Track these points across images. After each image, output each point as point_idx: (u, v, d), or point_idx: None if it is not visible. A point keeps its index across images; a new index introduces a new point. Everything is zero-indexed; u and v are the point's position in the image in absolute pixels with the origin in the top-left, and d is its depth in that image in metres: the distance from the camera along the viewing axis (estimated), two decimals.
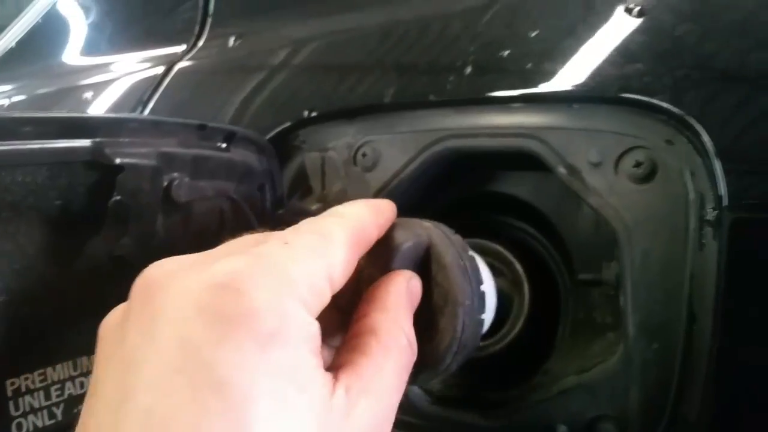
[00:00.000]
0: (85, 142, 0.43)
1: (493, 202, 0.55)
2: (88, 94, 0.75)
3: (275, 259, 0.28)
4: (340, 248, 0.31)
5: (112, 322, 0.30)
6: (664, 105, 0.39)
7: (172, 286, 0.28)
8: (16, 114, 0.40)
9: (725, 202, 0.37)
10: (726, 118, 0.37)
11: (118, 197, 0.43)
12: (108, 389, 0.27)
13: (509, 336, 0.51)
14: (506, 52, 0.46)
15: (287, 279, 0.27)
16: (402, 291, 0.33)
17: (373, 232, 0.34)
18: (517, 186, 0.52)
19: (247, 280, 0.26)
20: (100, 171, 0.43)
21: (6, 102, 0.95)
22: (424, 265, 0.36)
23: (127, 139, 0.44)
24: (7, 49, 0.96)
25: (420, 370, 0.34)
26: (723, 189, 0.37)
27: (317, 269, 0.29)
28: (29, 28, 0.93)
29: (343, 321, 0.33)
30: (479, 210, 0.56)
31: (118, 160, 0.43)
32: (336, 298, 0.30)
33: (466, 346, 0.36)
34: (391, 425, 0.30)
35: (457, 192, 0.55)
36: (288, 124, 0.54)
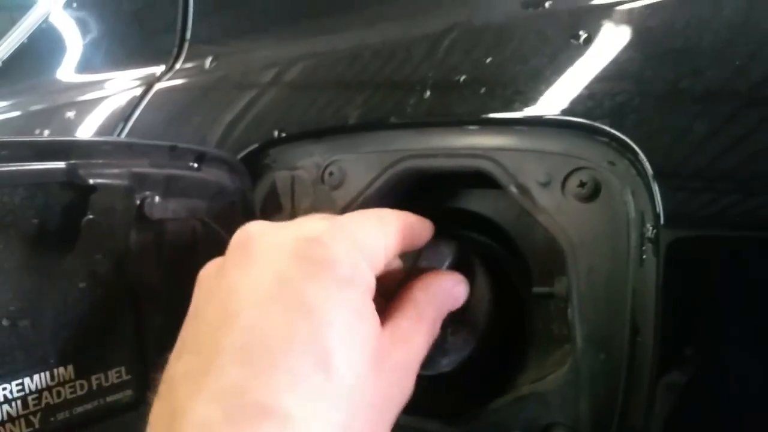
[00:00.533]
0: (60, 164, 0.45)
1: (457, 219, 0.57)
2: (71, 114, 0.77)
3: (349, 227, 0.36)
4: (394, 232, 0.39)
5: (210, 269, 0.38)
6: (607, 128, 0.41)
7: (268, 237, 0.35)
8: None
9: (662, 220, 0.39)
10: (662, 141, 0.40)
11: (91, 216, 0.45)
12: (210, 313, 0.34)
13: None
14: (462, 77, 0.48)
15: (358, 241, 0.35)
16: (445, 285, 0.42)
17: (419, 234, 0.43)
18: (479, 203, 0.55)
19: (329, 237, 0.34)
20: (74, 191, 0.45)
21: None
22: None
23: (100, 161, 0.46)
24: None
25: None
26: (660, 208, 0.39)
27: (378, 240, 0.37)
28: (15, 48, 0.95)
29: (384, 304, 0.40)
30: (445, 226, 0.58)
31: (91, 181, 0.45)
32: (383, 283, 0.38)
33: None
34: (414, 380, 0.37)
35: (423, 209, 0.57)
36: (259, 143, 0.57)
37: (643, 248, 0.40)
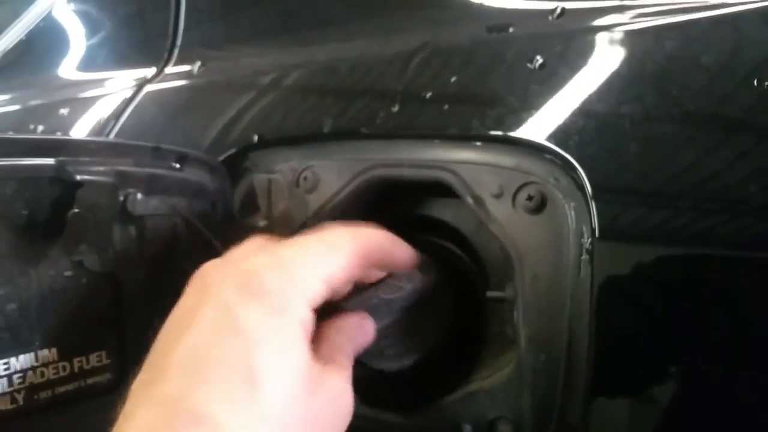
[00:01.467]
0: (50, 161, 0.48)
1: (424, 225, 0.60)
2: (65, 110, 0.81)
3: (288, 260, 0.39)
4: (343, 259, 0.41)
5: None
6: (553, 147, 0.45)
7: (218, 271, 0.40)
8: None
9: (597, 233, 0.43)
10: (600, 161, 0.44)
11: (77, 210, 0.48)
12: (167, 334, 0.38)
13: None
14: (429, 94, 0.52)
15: (294, 275, 0.38)
16: (351, 325, 0.44)
17: (390, 255, 0.45)
18: (443, 211, 0.58)
19: (267, 270, 0.38)
20: (62, 186, 0.49)
21: None
22: None
23: (87, 159, 0.50)
24: None
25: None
26: (596, 222, 0.43)
27: (316, 274, 0.39)
28: (13, 44, 0.99)
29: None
30: (413, 231, 0.62)
31: (78, 177, 0.48)
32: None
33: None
34: (351, 399, 0.40)
35: (392, 214, 0.61)
36: (239, 147, 0.60)
37: (581, 259, 0.44)
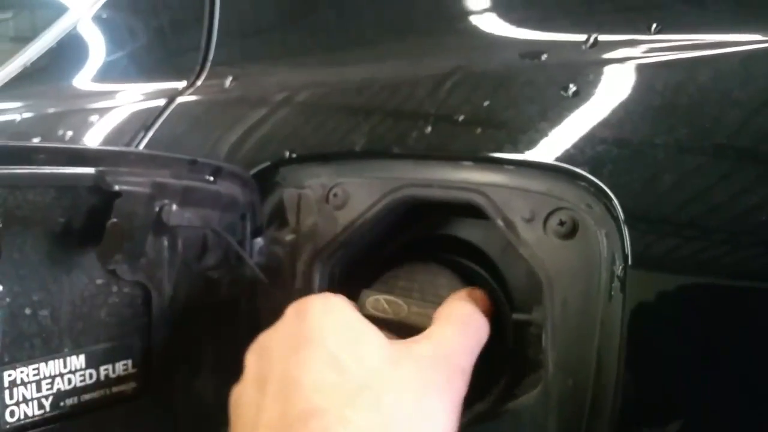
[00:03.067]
0: (89, 170, 0.49)
1: (450, 244, 0.61)
2: (95, 118, 0.82)
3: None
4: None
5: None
6: (586, 174, 0.46)
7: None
8: (32, 144, 0.47)
9: (630, 261, 0.43)
10: (634, 189, 0.44)
11: (115, 219, 0.49)
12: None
13: None
14: (461, 117, 0.53)
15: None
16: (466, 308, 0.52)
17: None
18: (470, 231, 0.59)
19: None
20: (100, 195, 0.50)
21: (17, 118, 1.02)
22: None
23: (126, 169, 0.51)
24: (22, 68, 1.04)
25: None
26: (629, 249, 0.43)
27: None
28: (44, 51, 1.00)
29: None
30: (438, 250, 0.63)
31: (116, 187, 0.49)
32: None
33: None
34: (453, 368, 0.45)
35: (419, 232, 0.62)
36: (270, 162, 0.61)
37: (612, 285, 0.45)
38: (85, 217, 0.50)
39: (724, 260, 0.42)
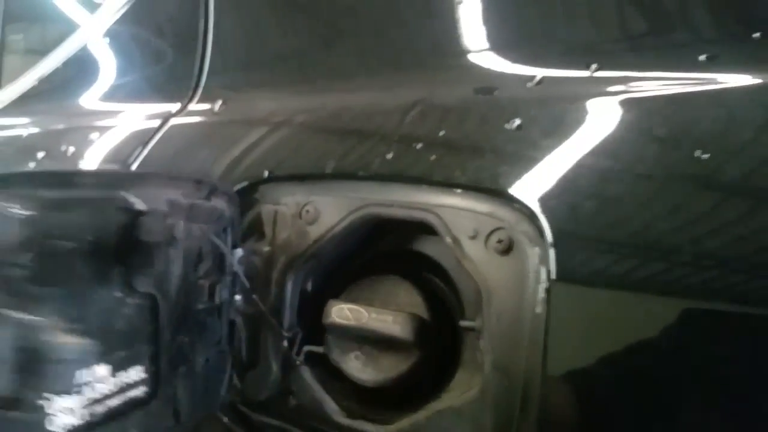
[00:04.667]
0: (118, 192, 0.54)
1: (411, 258, 0.67)
2: (95, 135, 0.89)
3: None
4: None
5: None
6: (522, 199, 0.52)
7: None
8: (75, 170, 0.52)
9: (553, 275, 0.50)
10: (560, 215, 0.50)
11: (139, 235, 0.54)
12: None
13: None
14: (419, 145, 0.59)
15: None
16: None
17: None
18: (428, 247, 0.65)
19: None
20: (127, 214, 0.54)
21: (24, 133, 1.09)
22: None
23: (147, 190, 0.56)
24: (30, 87, 1.11)
25: None
26: (553, 266, 0.50)
27: None
28: (51, 71, 1.07)
29: None
30: (400, 263, 0.69)
31: (142, 207, 0.54)
32: None
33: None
34: None
35: (383, 247, 0.68)
36: (251, 181, 0.68)
37: (538, 297, 0.51)
38: (112, 234, 0.54)
39: (636, 275, 0.48)
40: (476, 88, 0.61)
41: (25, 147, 1.06)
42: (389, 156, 0.60)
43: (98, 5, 1.01)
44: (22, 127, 1.11)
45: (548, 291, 0.50)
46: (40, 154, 0.97)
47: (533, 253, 0.52)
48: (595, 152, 0.52)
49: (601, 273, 0.48)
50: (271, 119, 0.72)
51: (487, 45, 0.64)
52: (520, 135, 0.55)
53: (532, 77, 0.59)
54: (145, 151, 0.80)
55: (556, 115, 0.56)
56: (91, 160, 0.87)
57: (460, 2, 0.64)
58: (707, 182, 0.46)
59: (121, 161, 0.81)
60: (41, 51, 1.16)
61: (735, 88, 0.49)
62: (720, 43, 0.52)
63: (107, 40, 0.98)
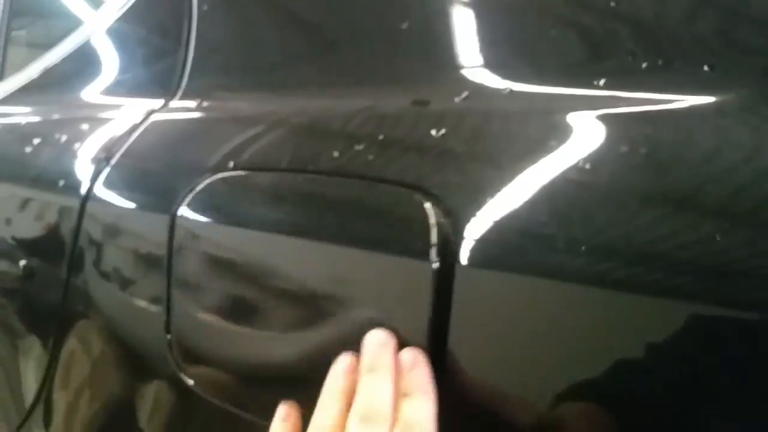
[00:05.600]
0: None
1: None
2: (85, 126, 0.99)
3: None
4: None
5: None
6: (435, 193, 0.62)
7: None
8: None
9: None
10: (465, 205, 0.60)
11: None
12: None
13: None
14: (361, 147, 0.69)
15: None
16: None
17: None
18: None
19: None
20: None
21: (23, 121, 1.19)
22: None
23: None
24: (31, 79, 1.22)
25: None
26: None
27: None
28: (52, 65, 1.17)
29: None
30: None
31: None
32: None
33: None
34: None
35: None
36: (216, 171, 0.77)
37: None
38: None
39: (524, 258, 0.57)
40: (413, 100, 0.71)
41: (23, 134, 1.16)
42: (335, 154, 0.70)
43: (100, 4, 1.11)
44: (22, 115, 1.21)
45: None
46: (36, 140, 1.07)
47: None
48: (503, 157, 0.61)
49: (501, 257, 0.57)
50: (239, 117, 0.81)
51: (428, 64, 0.74)
52: (442, 141, 0.65)
53: (462, 92, 0.69)
54: (128, 143, 0.89)
55: (476, 126, 0.65)
56: (80, 148, 0.97)
57: (405, 28, 0.73)
58: (589, 185, 0.56)
59: (107, 149, 0.91)
60: (44, 45, 1.26)
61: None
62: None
63: (104, 38, 1.08)
